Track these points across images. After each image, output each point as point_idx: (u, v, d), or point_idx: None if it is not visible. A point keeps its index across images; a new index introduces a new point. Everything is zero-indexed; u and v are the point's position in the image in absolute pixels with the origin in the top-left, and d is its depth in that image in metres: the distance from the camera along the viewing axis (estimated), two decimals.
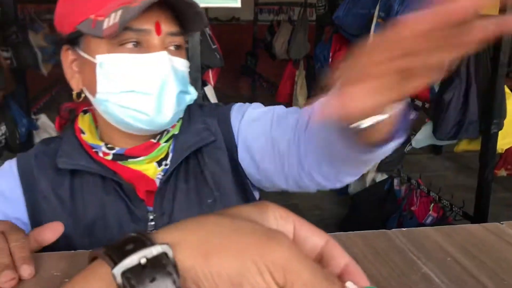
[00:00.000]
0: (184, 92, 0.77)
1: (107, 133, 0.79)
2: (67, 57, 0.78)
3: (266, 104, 0.89)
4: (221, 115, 0.86)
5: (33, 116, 3.43)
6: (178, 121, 0.83)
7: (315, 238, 0.34)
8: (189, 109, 0.84)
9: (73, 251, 0.62)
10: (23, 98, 3.33)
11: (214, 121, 0.85)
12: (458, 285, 0.54)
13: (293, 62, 4.40)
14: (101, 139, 0.80)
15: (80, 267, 0.57)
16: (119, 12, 0.68)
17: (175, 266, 0.28)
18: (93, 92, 0.74)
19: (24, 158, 0.80)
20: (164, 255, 0.28)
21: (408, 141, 2.69)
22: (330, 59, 3.39)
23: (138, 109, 0.72)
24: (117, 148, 0.78)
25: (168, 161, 0.80)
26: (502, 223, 0.70)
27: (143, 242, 0.29)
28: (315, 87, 3.71)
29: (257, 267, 0.28)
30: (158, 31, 0.72)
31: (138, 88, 0.71)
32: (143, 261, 0.27)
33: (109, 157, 0.78)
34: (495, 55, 2.03)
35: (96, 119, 0.82)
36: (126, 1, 0.69)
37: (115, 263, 0.28)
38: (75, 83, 0.78)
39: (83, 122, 0.81)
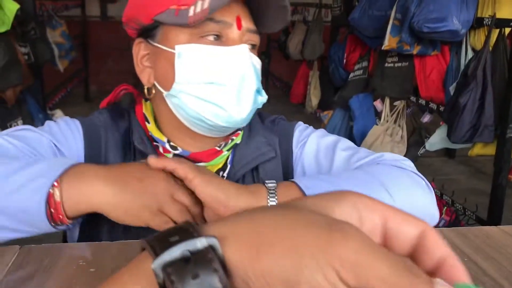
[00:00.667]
0: (258, 91, 0.75)
1: (169, 130, 0.77)
2: (139, 50, 0.76)
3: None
4: (283, 132, 0.84)
5: (48, 111, 3.47)
6: (241, 130, 0.81)
7: (408, 228, 0.28)
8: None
9: (97, 242, 0.64)
10: (39, 93, 3.37)
11: (275, 137, 0.83)
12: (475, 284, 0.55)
13: (307, 62, 4.40)
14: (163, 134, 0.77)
15: (103, 257, 0.59)
16: (202, 3, 0.67)
17: (222, 262, 0.25)
18: (167, 85, 0.72)
19: (90, 125, 0.77)
20: (210, 248, 0.25)
21: (422, 143, 2.69)
22: (344, 60, 3.39)
23: (216, 103, 0.69)
24: (180, 149, 0.76)
25: (225, 173, 0.78)
26: None
27: (189, 233, 0.26)
28: (329, 88, 3.71)
29: (317, 264, 0.24)
30: (239, 25, 0.71)
31: (218, 80, 0.69)
32: (186, 254, 0.25)
33: (170, 155, 0.76)
34: (511, 62, 2.03)
35: (157, 113, 0.79)
36: None
37: (156, 255, 0.25)
38: (146, 78, 0.76)
39: (147, 109, 0.79)
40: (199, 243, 0.25)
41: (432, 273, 0.28)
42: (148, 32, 0.74)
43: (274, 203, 0.64)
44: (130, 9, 0.77)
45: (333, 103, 3.45)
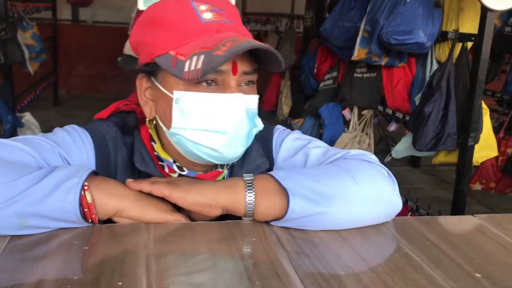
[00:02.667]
0: (253, 128, 0.78)
1: (174, 153, 0.80)
2: (142, 84, 0.79)
3: None
4: (264, 136, 0.88)
5: (18, 114, 3.42)
6: None
7: None
8: None
9: (90, 224, 0.67)
10: (9, 95, 3.33)
11: (257, 142, 0.86)
12: (435, 263, 0.61)
13: (279, 72, 4.47)
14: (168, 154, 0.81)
15: (96, 237, 0.63)
16: (202, 58, 0.69)
17: None
18: (166, 123, 0.76)
19: (100, 139, 0.80)
20: None
21: (388, 151, 2.78)
22: (315, 70, 3.48)
23: (210, 146, 0.73)
24: (187, 171, 0.80)
25: None
26: (475, 216, 0.78)
27: None
28: (300, 97, 3.79)
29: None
30: (235, 71, 0.74)
31: (212, 127, 0.73)
32: None
33: (175, 175, 0.80)
34: (473, 73, 2.14)
35: (161, 137, 0.82)
36: (208, 45, 0.71)
37: None
38: (148, 110, 0.79)
39: (153, 130, 0.81)
40: None
41: None
42: (149, 70, 0.77)
43: (251, 196, 0.69)
44: (133, 41, 0.80)
45: (303, 111, 3.52)
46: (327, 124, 3.14)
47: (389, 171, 0.78)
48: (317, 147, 0.84)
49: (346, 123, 3.06)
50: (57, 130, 0.80)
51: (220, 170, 0.82)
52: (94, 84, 5.89)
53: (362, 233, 0.69)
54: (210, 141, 0.73)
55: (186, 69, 0.70)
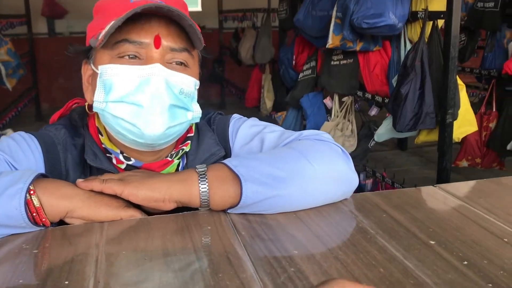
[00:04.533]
0: (181, 107, 0.76)
1: (119, 143, 0.80)
2: (85, 71, 0.81)
3: (235, 110, 0.91)
4: (220, 126, 0.88)
5: None
6: (190, 139, 0.84)
7: None
8: (197, 125, 0.86)
9: (39, 229, 0.66)
10: None
11: (214, 134, 0.86)
12: (390, 235, 0.61)
13: (259, 66, 4.47)
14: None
15: (45, 240, 0.62)
16: (111, 23, 0.71)
17: None
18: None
19: (48, 143, 0.79)
20: None
21: (371, 136, 2.79)
22: (293, 62, 3.47)
23: (128, 120, 0.72)
24: (133, 160, 0.79)
25: None
26: (435, 186, 0.77)
27: None
28: (282, 90, 3.79)
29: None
30: (157, 44, 0.73)
31: (129, 98, 0.72)
32: None
33: (123, 166, 0.79)
34: (445, 50, 2.14)
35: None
36: (123, 13, 0.71)
37: None
38: (89, 96, 0.80)
39: (99, 122, 0.81)
40: None
41: None
42: (88, 54, 0.80)
43: (205, 187, 0.69)
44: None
45: (286, 104, 3.52)
46: (309, 114, 3.13)
47: (343, 148, 0.78)
48: (272, 132, 0.84)
49: (328, 111, 3.06)
50: (2, 138, 0.79)
51: (169, 159, 0.81)
52: (77, 96, 5.85)
53: (320, 212, 0.69)
54: (127, 114, 0.72)
55: (100, 37, 0.72)
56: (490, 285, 0.50)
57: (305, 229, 0.63)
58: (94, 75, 0.77)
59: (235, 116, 0.90)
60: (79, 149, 0.80)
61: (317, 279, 0.51)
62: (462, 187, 0.76)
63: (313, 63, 3.21)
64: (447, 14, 2.09)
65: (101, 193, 0.69)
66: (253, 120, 0.89)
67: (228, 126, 0.88)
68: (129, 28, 0.72)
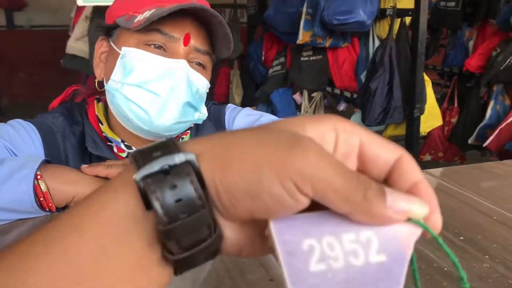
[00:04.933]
0: (193, 106, 0.78)
1: (121, 131, 0.80)
2: (100, 47, 0.81)
3: None
4: (216, 115, 0.90)
5: None
6: (189, 129, 0.85)
7: (387, 153, 0.29)
8: None
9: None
10: None
11: (209, 121, 0.88)
12: None
13: (227, 62, 4.48)
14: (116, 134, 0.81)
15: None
16: (152, 10, 0.72)
17: (198, 175, 0.27)
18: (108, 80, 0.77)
19: (47, 131, 0.79)
20: (187, 163, 0.27)
21: None
22: (263, 58, 3.51)
23: (142, 106, 0.73)
24: (134, 149, 0.79)
25: None
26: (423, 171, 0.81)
27: (170, 149, 0.27)
28: (250, 85, 3.81)
29: (276, 176, 0.26)
30: (186, 42, 0.75)
31: (148, 86, 0.73)
32: (165, 168, 0.26)
33: (124, 154, 0.79)
34: (413, 46, 2.22)
35: (109, 114, 0.83)
36: (162, 3, 0.73)
37: (139, 168, 0.26)
38: (99, 72, 0.80)
39: (99, 111, 0.82)
40: (178, 158, 0.26)
41: None
42: (109, 32, 0.80)
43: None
44: (107, 10, 0.82)
45: (255, 99, 3.55)
46: (279, 109, 3.17)
47: None
48: (269, 120, 0.86)
49: (298, 107, 3.11)
50: (1, 125, 0.78)
51: None
52: (38, 91, 5.68)
53: None
54: (142, 100, 0.74)
55: (135, 20, 0.73)
56: (487, 256, 0.54)
57: None
58: (112, 53, 0.78)
59: (230, 105, 0.93)
60: (78, 137, 0.80)
61: None
62: (446, 172, 0.81)
63: (282, 59, 3.25)
64: (415, 12, 2.17)
65: (106, 178, 0.70)
66: (248, 110, 0.91)
67: (224, 115, 0.90)
68: (164, 20, 0.73)
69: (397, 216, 0.26)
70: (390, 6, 2.37)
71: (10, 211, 0.63)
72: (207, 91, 0.82)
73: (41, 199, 0.65)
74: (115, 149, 0.80)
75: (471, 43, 3.07)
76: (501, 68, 2.54)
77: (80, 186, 0.68)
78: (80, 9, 2.66)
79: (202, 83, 0.79)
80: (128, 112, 0.75)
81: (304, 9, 2.69)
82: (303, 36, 2.72)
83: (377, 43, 2.55)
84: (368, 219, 0.26)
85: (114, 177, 0.29)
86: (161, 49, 0.75)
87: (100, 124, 0.81)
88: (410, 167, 0.28)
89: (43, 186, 0.65)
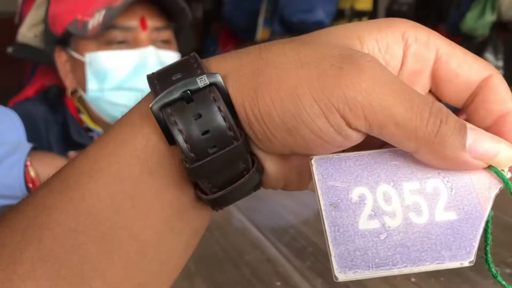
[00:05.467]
0: None
1: (103, 121, 0.79)
2: (61, 57, 0.79)
3: None
4: None
5: None
6: None
7: (470, 71, 0.22)
8: None
9: None
10: None
11: None
12: None
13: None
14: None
15: None
16: (103, 12, 0.70)
17: (228, 102, 0.22)
18: (85, 91, 0.76)
19: (28, 119, 0.77)
20: (213, 87, 0.22)
21: None
22: (219, 53, 3.49)
23: (127, 105, 0.71)
24: None
25: None
26: None
27: (191, 69, 0.22)
28: None
29: (318, 107, 0.20)
30: (144, 26, 0.74)
31: (125, 84, 0.72)
32: (187, 94, 0.22)
33: None
34: None
35: (88, 107, 0.81)
36: (110, 0, 0.71)
37: (156, 94, 0.22)
38: (69, 82, 0.78)
39: (80, 101, 0.81)
40: (201, 81, 0.22)
41: (485, 129, 0.22)
42: (64, 41, 0.78)
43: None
44: (49, 17, 0.79)
45: None
46: None
47: None
48: None
49: None
50: None
51: None
52: None
53: None
54: (128, 100, 0.73)
55: (90, 27, 0.72)
56: None
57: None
58: (76, 62, 0.77)
59: None
60: (60, 125, 0.78)
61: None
62: None
63: None
64: (372, 13, 2.23)
65: None
66: None
67: None
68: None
69: (477, 162, 0.20)
70: (349, 7, 2.43)
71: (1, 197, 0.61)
72: None
73: (30, 185, 0.63)
74: (96, 139, 0.78)
75: None
76: None
77: None
78: None
79: (172, 58, 0.79)
80: (118, 114, 0.73)
81: (264, 6, 2.71)
82: (261, 33, 2.73)
83: None
84: (439, 162, 0.20)
85: (130, 109, 0.25)
86: (124, 43, 0.74)
87: (81, 114, 0.79)
88: (499, 92, 0.22)
89: (32, 172, 0.63)
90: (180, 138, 0.21)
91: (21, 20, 2.59)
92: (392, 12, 3.21)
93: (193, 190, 0.23)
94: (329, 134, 0.21)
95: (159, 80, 0.23)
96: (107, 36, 0.73)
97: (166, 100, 0.22)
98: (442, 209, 0.20)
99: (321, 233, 0.21)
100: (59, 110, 0.79)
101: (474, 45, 2.56)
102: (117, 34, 0.73)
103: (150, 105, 0.22)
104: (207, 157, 0.21)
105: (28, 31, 2.49)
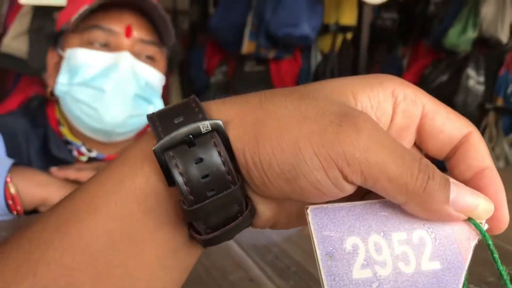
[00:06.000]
0: (144, 99, 0.76)
1: (81, 134, 0.78)
2: (52, 58, 0.79)
3: None
4: None
5: None
6: None
7: (452, 128, 0.24)
8: None
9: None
10: None
11: None
12: None
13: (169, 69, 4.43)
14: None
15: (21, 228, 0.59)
16: (84, 7, 0.71)
17: (227, 146, 0.23)
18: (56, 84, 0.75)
19: (8, 133, 0.76)
20: (215, 133, 0.23)
21: None
22: (205, 65, 3.50)
23: (89, 104, 0.72)
24: (95, 152, 0.77)
25: None
26: None
27: (193, 113, 0.23)
28: (191, 93, 3.79)
29: (318, 160, 0.21)
30: (128, 33, 0.74)
31: (93, 83, 0.72)
32: (190, 138, 0.22)
33: (84, 158, 0.77)
34: (354, 61, 2.31)
35: (67, 117, 0.80)
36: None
37: (159, 137, 0.23)
38: (51, 81, 0.78)
39: (60, 113, 0.80)
40: (203, 126, 0.23)
41: (464, 182, 0.24)
42: (56, 41, 0.79)
43: None
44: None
45: None
46: None
47: None
48: None
49: None
50: None
51: None
52: None
53: None
54: (89, 98, 0.73)
55: (72, 20, 0.73)
56: None
57: None
58: (59, 60, 0.75)
59: None
60: (41, 140, 0.77)
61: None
62: None
63: (224, 68, 3.26)
64: (357, 29, 2.26)
65: (76, 181, 0.67)
66: None
67: None
68: (102, 16, 0.72)
69: (458, 214, 0.22)
70: (334, 22, 2.46)
71: None
72: (163, 84, 0.81)
73: (10, 202, 0.62)
74: (75, 153, 0.77)
75: (405, 61, 3.24)
76: (433, 86, 2.70)
77: (50, 189, 0.65)
78: (16, 6, 2.53)
79: (151, 76, 0.78)
80: (78, 113, 0.74)
81: (250, 20, 2.72)
82: (247, 46, 2.75)
83: (319, 57, 2.62)
84: (425, 213, 0.22)
85: (129, 147, 0.25)
86: (106, 46, 0.74)
87: (61, 126, 0.78)
88: (478, 149, 0.24)
89: (12, 189, 0.62)
90: (180, 181, 0.22)
91: (5, 30, 2.56)
92: (376, 28, 3.26)
93: (187, 229, 0.24)
94: (326, 186, 0.22)
95: (161, 122, 0.23)
96: (91, 35, 0.73)
97: (169, 143, 0.22)
98: (428, 258, 0.22)
99: (304, 252, 0.22)
100: (39, 124, 0.78)
101: (457, 60, 2.61)
102: (100, 35, 0.74)
103: (153, 148, 0.22)
104: (206, 200, 0.22)
105: (12, 41, 2.46)
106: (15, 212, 0.63)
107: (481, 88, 2.52)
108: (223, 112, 0.24)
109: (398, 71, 3.31)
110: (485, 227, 0.23)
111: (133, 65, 0.74)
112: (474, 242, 0.23)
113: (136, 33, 0.75)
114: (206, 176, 0.22)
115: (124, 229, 0.23)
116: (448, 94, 2.56)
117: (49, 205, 0.66)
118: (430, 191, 0.21)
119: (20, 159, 0.74)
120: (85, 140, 0.78)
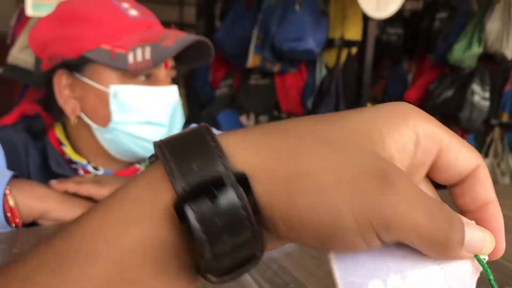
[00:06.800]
0: (187, 122, 0.83)
1: (89, 153, 0.78)
2: (61, 81, 0.75)
3: None
4: None
5: None
6: None
7: (463, 162, 0.25)
8: None
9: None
10: None
11: None
12: None
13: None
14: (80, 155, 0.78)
15: (19, 240, 0.59)
16: (148, 50, 0.70)
17: (255, 208, 0.21)
18: (98, 120, 0.74)
19: (9, 145, 0.75)
20: (239, 188, 0.21)
21: None
22: (210, 78, 3.52)
23: (150, 139, 0.74)
24: (102, 169, 0.78)
25: None
26: None
27: (213, 157, 0.21)
28: (196, 105, 3.80)
29: (357, 225, 0.21)
30: (166, 65, 0.76)
31: (152, 119, 0.74)
32: (212, 193, 0.21)
33: (90, 176, 0.77)
34: (359, 76, 2.31)
35: (75, 137, 0.79)
36: (149, 38, 0.71)
37: (175, 182, 0.21)
38: (70, 108, 0.75)
39: (60, 132, 0.79)
40: (227, 178, 0.21)
41: (467, 213, 0.25)
42: (72, 66, 0.74)
43: None
44: (49, 44, 0.75)
45: (200, 120, 3.54)
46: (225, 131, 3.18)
47: None
48: None
49: None
50: None
51: (137, 166, 0.82)
52: None
53: None
54: (150, 134, 0.74)
55: (130, 61, 0.70)
56: None
57: None
58: (83, 88, 0.74)
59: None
60: (40, 152, 0.77)
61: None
62: None
63: (230, 81, 3.28)
64: (362, 43, 2.27)
65: (75, 194, 0.68)
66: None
67: None
68: None
69: (468, 254, 0.23)
70: (339, 37, 2.47)
71: None
72: None
73: (8, 214, 0.62)
74: (80, 171, 0.77)
75: (410, 76, 3.24)
76: (438, 101, 2.70)
77: (49, 202, 0.66)
78: (24, 18, 2.56)
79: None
80: (134, 148, 0.75)
81: (255, 33, 2.74)
82: (252, 60, 2.76)
83: (323, 71, 2.63)
84: (440, 256, 0.23)
85: (136, 183, 0.23)
86: (148, 78, 0.75)
87: (63, 146, 0.78)
88: (484, 183, 0.25)
89: (11, 201, 0.62)
90: (205, 243, 0.21)
91: (13, 41, 2.58)
92: (381, 42, 3.27)
93: (190, 272, 0.23)
94: (358, 245, 0.22)
95: (177, 162, 0.22)
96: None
97: (188, 196, 0.21)
98: None
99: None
100: (41, 138, 0.79)
101: (462, 76, 2.61)
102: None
103: (173, 203, 0.21)
104: (225, 259, 0.21)
105: (19, 53, 2.49)
106: (13, 225, 0.63)
107: (486, 104, 2.51)
108: (247, 158, 0.22)
109: (402, 86, 3.31)
110: (485, 259, 0.24)
111: (178, 98, 0.79)
112: (477, 276, 0.24)
113: (170, 61, 0.77)
114: (229, 232, 0.21)
115: (125, 278, 0.22)
116: (453, 110, 2.56)
117: (48, 218, 0.66)
118: (450, 242, 0.22)
119: (20, 171, 0.74)
120: (94, 159, 0.78)
